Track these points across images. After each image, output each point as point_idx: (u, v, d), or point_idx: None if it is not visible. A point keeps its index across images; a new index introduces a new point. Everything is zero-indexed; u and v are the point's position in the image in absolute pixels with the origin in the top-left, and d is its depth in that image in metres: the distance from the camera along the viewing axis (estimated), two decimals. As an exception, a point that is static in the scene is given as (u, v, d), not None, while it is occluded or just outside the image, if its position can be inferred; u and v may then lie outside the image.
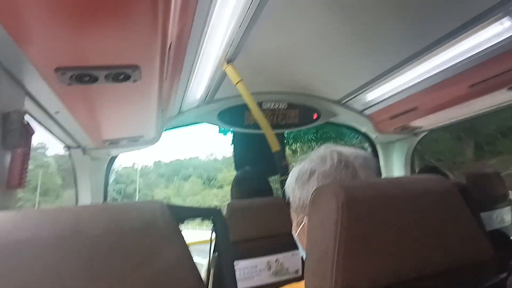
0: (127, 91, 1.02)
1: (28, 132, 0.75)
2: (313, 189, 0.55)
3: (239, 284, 1.17)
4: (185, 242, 0.40)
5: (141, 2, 0.63)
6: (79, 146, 1.49)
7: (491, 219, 1.61)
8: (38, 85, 0.85)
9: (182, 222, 0.42)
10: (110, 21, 0.67)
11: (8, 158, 0.72)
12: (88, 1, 0.60)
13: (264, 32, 1.23)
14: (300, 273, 1.23)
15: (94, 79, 0.84)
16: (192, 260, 0.40)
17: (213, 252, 1.17)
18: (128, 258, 0.35)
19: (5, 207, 0.71)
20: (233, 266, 0.44)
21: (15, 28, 0.65)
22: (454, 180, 1.59)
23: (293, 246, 1.26)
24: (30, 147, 0.77)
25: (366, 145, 2.45)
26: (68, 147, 1.48)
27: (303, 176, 0.65)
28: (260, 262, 1.16)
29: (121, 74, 0.85)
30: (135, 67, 0.84)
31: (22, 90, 0.82)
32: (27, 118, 0.82)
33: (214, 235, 0.49)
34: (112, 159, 1.88)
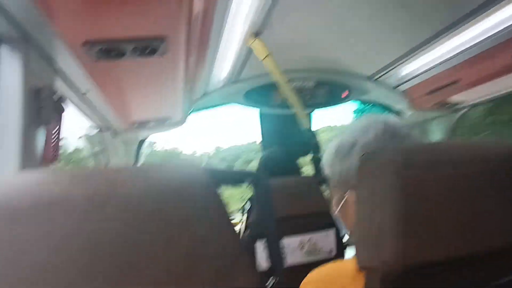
0: (154, 68, 1.00)
1: (59, 108, 0.75)
2: (355, 162, 0.50)
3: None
4: (225, 208, 0.36)
5: None
6: (109, 129, 1.51)
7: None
8: (67, 62, 0.84)
9: (221, 186, 0.39)
10: None
11: (42, 133, 0.72)
12: None
13: (290, 6, 1.16)
14: (334, 253, 1.19)
15: (121, 54, 0.82)
16: (233, 227, 0.36)
17: (248, 222, 1.15)
18: (165, 223, 0.32)
19: None
20: (277, 240, 0.40)
21: (43, 1, 0.63)
22: None
23: (326, 226, 1.23)
24: (61, 124, 0.77)
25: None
26: (99, 129, 1.50)
27: (343, 148, 0.60)
28: (292, 241, 1.14)
29: (147, 48, 0.82)
30: (162, 39, 0.81)
31: (51, 66, 0.81)
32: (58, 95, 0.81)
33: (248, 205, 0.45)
34: (141, 142, 1.90)
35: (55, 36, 0.72)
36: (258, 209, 0.40)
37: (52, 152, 0.73)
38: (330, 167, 0.63)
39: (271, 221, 0.40)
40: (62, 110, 0.76)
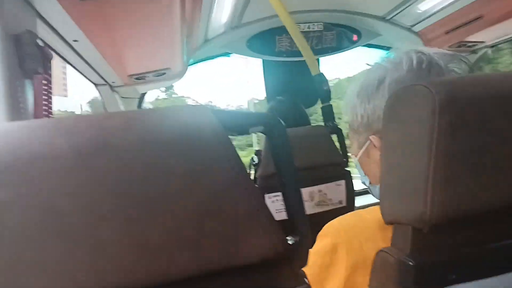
0: (147, 14, 0.90)
1: (45, 56, 0.67)
2: (383, 101, 0.43)
3: (282, 215, 1.15)
4: (237, 154, 0.31)
5: None
6: (106, 83, 1.44)
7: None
8: (49, 7, 0.75)
9: (232, 131, 0.33)
10: None
11: (30, 86, 0.66)
12: None
13: None
14: (344, 203, 1.18)
15: (107, -8, 0.72)
16: (249, 177, 0.31)
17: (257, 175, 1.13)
18: (169, 175, 0.27)
19: None
20: (299, 194, 0.36)
21: None
22: None
23: (336, 177, 1.20)
24: (50, 74, 0.70)
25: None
26: (96, 85, 1.43)
27: (369, 86, 0.53)
28: (303, 192, 1.12)
29: (136, -17, 0.72)
30: None
31: (32, 10, 0.72)
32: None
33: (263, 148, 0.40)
34: (142, 96, 1.83)
35: None
36: (274, 158, 0.35)
37: (44, 108, 0.67)
38: (352, 109, 0.57)
39: (291, 171, 0.35)
40: (49, 57, 0.69)
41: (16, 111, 0.62)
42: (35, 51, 0.63)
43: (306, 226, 0.33)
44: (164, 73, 1.47)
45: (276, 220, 0.31)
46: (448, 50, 1.70)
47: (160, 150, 0.28)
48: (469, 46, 1.76)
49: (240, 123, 0.34)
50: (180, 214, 0.27)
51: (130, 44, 1.12)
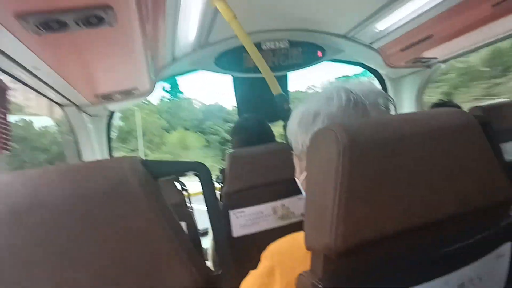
0: (107, 39, 0.92)
1: (1, 89, 0.68)
2: None
3: (247, 229, 1.19)
4: (163, 201, 0.35)
5: None
6: (72, 103, 1.44)
7: (506, 151, 1.55)
8: (6, 39, 0.76)
9: (160, 178, 0.37)
10: None
11: (-17, 120, 0.67)
12: None
13: None
14: (306, 215, 1.23)
15: (63, 25, 0.75)
16: (174, 218, 0.35)
17: (222, 192, 1.16)
18: (94, 230, 0.31)
19: None
20: (220, 219, 0.40)
21: None
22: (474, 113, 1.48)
23: (298, 191, 1.25)
24: (6, 106, 0.71)
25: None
26: (61, 106, 1.42)
27: (307, 118, 0.58)
28: (265, 207, 1.16)
29: (92, 17, 0.75)
30: (107, 8, 0.73)
31: (-13, 44, 0.73)
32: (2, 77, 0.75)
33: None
34: (111, 114, 1.83)
35: None
36: (203, 194, 0.39)
37: (1, 139, 0.68)
38: (294, 137, 0.62)
39: (216, 208, 0.39)
40: (4, 90, 0.70)
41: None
42: (-12, 86, 0.65)
43: (229, 260, 0.38)
44: (131, 92, 1.49)
45: (199, 254, 0.36)
46: (405, 65, 1.82)
47: (89, 202, 0.32)
48: (424, 62, 1.89)
49: (174, 171, 0.39)
50: (106, 258, 0.31)
51: (94, 67, 1.14)
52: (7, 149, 0.70)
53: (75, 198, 0.32)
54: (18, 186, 0.31)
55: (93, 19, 0.75)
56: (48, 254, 0.30)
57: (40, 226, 0.30)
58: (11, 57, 0.82)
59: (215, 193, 0.39)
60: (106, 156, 1.83)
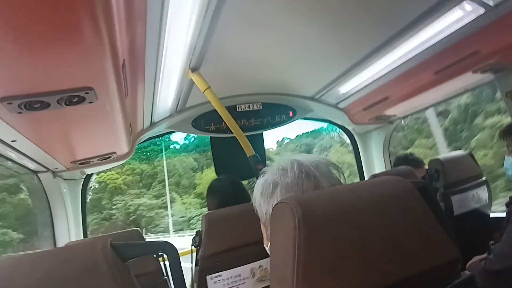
0: (88, 113, 0.98)
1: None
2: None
3: (222, 296, 1.15)
4: (133, 281, 0.38)
5: (82, 24, 0.60)
6: (47, 170, 1.44)
7: (467, 199, 1.66)
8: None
9: (134, 257, 0.40)
10: (55, 45, 0.63)
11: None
12: (30, 31, 0.56)
13: (226, 39, 1.21)
14: (285, 276, 1.22)
15: (46, 105, 0.80)
16: None
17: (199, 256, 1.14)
18: None
19: None
20: None
21: None
22: (416, 176, 1.60)
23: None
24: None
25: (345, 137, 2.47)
26: (34, 172, 1.42)
27: (267, 189, 0.64)
28: (243, 270, 1.15)
29: (74, 97, 0.81)
30: (88, 89, 0.80)
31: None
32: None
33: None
34: (87, 177, 1.82)
35: None
36: (171, 272, 0.42)
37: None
38: (258, 206, 0.67)
39: (182, 284, 0.42)
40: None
41: None
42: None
43: None
44: (109, 157, 1.52)
45: None
46: (369, 122, 1.97)
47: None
48: (385, 119, 2.08)
49: (142, 252, 0.42)
50: None
51: (72, 138, 1.18)
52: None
53: (48, 285, 0.34)
54: None
55: (74, 98, 0.81)
56: None
57: None
58: None
59: (182, 273, 0.42)
60: (79, 221, 1.77)
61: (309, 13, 1.17)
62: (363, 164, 2.37)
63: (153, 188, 17.17)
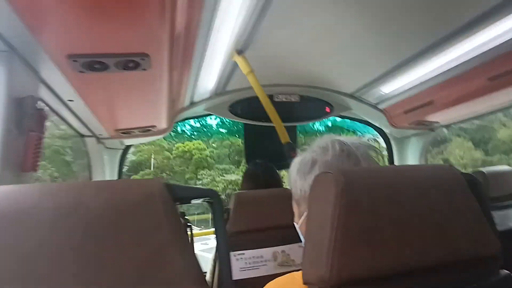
0: (138, 80, 1.04)
1: (41, 117, 0.78)
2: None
3: (245, 273, 1.18)
4: (180, 222, 0.40)
5: None
6: (93, 135, 1.54)
7: (510, 217, 1.56)
8: (51, 72, 0.88)
9: (180, 202, 0.43)
10: (120, 9, 0.68)
11: (22, 142, 0.75)
12: None
13: (274, 24, 1.22)
14: (306, 265, 1.22)
15: (105, 67, 0.86)
16: (187, 239, 0.40)
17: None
18: (122, 236, 0.36)
19: None
20: (227, 250, 0.45)
21: (29, 16, 0.67)
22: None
23: (299, 238, 1.26)
24: (43, 132, 0.80)
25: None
26: (82, 136, 1.52)
27: (305, 166, 0.65)
28: (266, 252, 1.17)
29: (130, 62, 0.86)
30: (145, 56, 0.85)
31: (36, 77, 0.84)
32: (41, 104, 0.85)
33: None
34: (126, 148, 1.93)
35: (40, 49, 0.76)
36: (214, 221, 0.44)
37: (32, 161, 0.75)
38: (294, 183, 0.68)
39: (223, 235, 0.44)
40: (44, 119, 0.79)
41: (8, 160, 0.71)
42: (33, 113, 0.74)
43: (229, 282, 0.41)
44: (149, 130, 1.59)
45: (204, 276, 0.40)
46: (409, 126, 1.91)
47: (120, 212, 0.38)
48: (426, 125, 1.99)
49: (191, 195, 0.44)
50: (127, 265, 0.36)
51: (120, 104, 1.25)
52: (36, 170, 0.77)
53: (109, 205, 0.38)
54: (63, 192, 0.37)
55: (131, 63, 0.87)
56: (79, 253, 0.35)
57: (77, 228, 0.36)
58: (54, 90, 0.93)
59: (224, 222, 0.44)
60: None
61: (359, 4, 1.15)
62: None
63: (243, 166, 15.98)
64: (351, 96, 1.98)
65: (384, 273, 0.43)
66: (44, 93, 0.94)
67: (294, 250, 1.20)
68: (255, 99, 1.86)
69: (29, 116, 0.74)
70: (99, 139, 1.60)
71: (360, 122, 2.31)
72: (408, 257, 0.45)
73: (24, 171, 0.75)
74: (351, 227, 0.43)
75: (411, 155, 2.27)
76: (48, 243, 0.35)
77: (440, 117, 1.87)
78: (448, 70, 1.46)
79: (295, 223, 0.70)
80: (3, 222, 0.34)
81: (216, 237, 0.44)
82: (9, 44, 0.73)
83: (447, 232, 0.47)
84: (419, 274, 0.45)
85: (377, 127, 2.27)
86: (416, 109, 1.80)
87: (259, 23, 1.17)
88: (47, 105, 1.00)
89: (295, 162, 0.68)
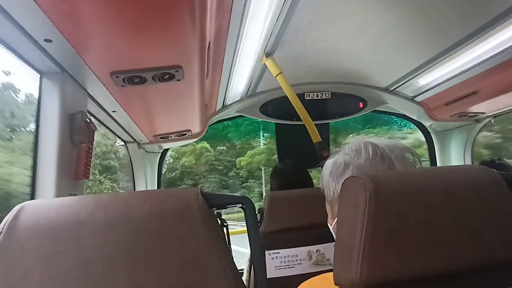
0: (173, 90, 1.10)
1: (91, 129, 0.86)
2: None
3: (280, 272, 1.21)
4: (216, 226, 0.44)
5: (180, 6, 0.68)
6: (134, 141, 1.65)
7: None
8: (97, 88, 0.96)
9: (216, 208, 0.46)
10: (154, 26, 0.73)
11: (74, 152, 0.84)
12: (135, 12, 0.66)
13: (302, 24, 1.22)
14: (342, 264, 1.22)
15: (143, 80, 0.93)
16: (224, 241, 0.43)
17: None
18: (164, 242, 0.40)
19: (73, 195, 0.83)
20: (260, 253, 0.47)
21: (78, 40, 0.74)
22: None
23: (333, 238, 1.26)
24: (93, 143, 0.88)
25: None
26: (125, 142, 1.64)
27: (338, 169, 0.65)
28: (300, 251, 1.18)
29: (166, 74, 0.92)
30: (178, 67, 0.90)
31: (84, 93, 0.93)
32: (89, 116, 0.93)
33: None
34: (164, 151, 2.03)
35: (87, 69, 0.84)
36: (247, 226, 0.47)
37: (84, 169, 0.84)
38: (326, 185, 0.68)
39: (256, 239, 0.47)
40: (93, 130, 0.87)
41: (62, 170, 0.79)
42: (83, 126, 0.82)
43: (264, 283, 0.44)
44: (185, 134, 1.67)
45: (240, 276, 0.42)
46: (451, 119, 1.79)
47: (162, 219, 0.42)
48: (471, 116, 1.86)
49: (225, 202, 0.47)
50: (170, 268, 0.40)
51: (157, 112, 1.34)
52: (87, 177, 0.85)
53: (153, 215, 0.42)
54: (113, 203, 0.42)
55: (166, 75, 0.93)
56: (128, 257, 0.40)
57: (126, 235, 0.40)
58: (99, 103, 1.03)
59: (257, 228, 0.47)
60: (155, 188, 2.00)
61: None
62: (438, 166, 2.18)
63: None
64: (386, 90, 1.91)
65: (413, 277, 0.43)
66: (91, 106, 1.03)
67: (328, 250, 1.20)
68: (286, 98, 1.87)
69: (80, 129, 0.82)
70: (139, 144, 1.71)
71: (396, 117, 2.22)
72: (438, 261, 0.44)
73: (77, 179, 0.84)
74: (380, 232, 0.44)
75: (454, 149, 2.14)
76: (103, 248, 0.40)
77: (486, 108, 1.75)
78: (493, 57, 1.36)
79: (328, 224, 0.71)
80: (64, 230, 0.39)
81: (249, 240, 0.47)
82: (60, 67, 0.82)
83: (482, 234, 0.46)
84: (451, 278, 0.45)
85: (415, 120, 2.16)
86: (458, 100, 1.70)
87: (286, 25, 1.18)
88: (94, 116, 1.10)
89: (328, 164, 0.68)
